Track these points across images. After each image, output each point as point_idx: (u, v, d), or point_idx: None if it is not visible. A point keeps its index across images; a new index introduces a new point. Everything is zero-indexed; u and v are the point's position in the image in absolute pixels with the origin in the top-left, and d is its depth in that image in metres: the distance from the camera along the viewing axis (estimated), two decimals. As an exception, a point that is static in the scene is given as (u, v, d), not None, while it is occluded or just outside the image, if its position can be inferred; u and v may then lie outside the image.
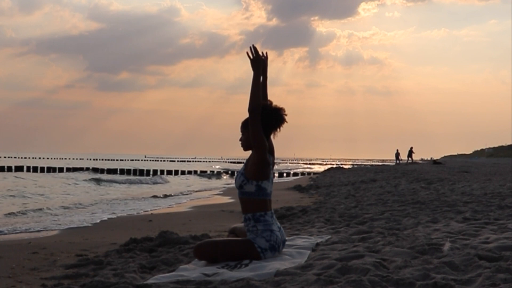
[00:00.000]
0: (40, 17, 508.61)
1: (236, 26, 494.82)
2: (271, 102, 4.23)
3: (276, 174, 39.69)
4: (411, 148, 45.43)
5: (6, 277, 4.38)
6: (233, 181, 4.26)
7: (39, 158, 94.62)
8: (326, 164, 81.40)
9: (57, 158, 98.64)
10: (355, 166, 53.57)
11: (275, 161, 4.48)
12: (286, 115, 4.22)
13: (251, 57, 4.19)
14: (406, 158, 45.80)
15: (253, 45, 4.19)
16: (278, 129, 4.24)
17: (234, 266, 3.86)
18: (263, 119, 4.16)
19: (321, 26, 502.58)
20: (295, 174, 42.60)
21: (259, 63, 4.19)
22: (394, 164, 47.07)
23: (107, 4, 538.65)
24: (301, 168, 61.65)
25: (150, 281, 3.61)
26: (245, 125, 4.25)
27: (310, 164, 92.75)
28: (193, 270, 3.84)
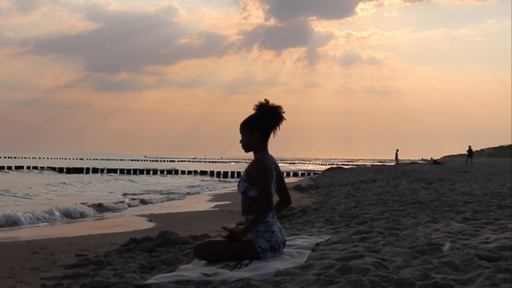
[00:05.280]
0: (38, 17, 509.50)
1: (234, 26, 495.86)
2: (267, 101, 4.19)
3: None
4: (470, 147, 40.93)
5: (6, 277, 4.37)
6: None
7: (39, 158, 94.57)
8: (323, 164, 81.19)
9: (57, 158, 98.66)
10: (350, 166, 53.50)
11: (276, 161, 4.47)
12: (283, 112, 4.21)
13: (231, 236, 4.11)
14: (467, 159, 40.45)
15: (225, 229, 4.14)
16: (277, 127, 4.23)
17: (234, 266, 3.85)
18: (261, 119, 4.16)
19: (319, 26, 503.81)
20: (295, 174, 42.62)
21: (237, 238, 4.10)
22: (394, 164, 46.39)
23: (105, 4, 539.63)
24: (301, 168, 61.65)
25: (150, 281, 3.60)
26: (244, 127, 4.23)
27: (309, 163, 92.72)
28: (193, 270, 3.84)
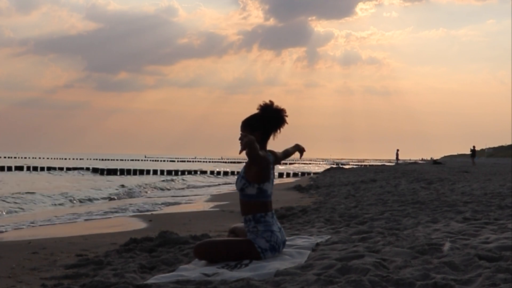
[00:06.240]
0: (37, 17, 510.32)
1: (234, 26, 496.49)
2: (272, 103, 4.20)
3: (276, 174, 39.71)
4: (474, 147, 40.06)
5: (6, 277, 4.37)
6: None
7: (39, 158, 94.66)
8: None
9: (57, 158, 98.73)
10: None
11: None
12: (287, 116, 4.21)
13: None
14: (471, 159, 39.55)
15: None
16: (278, 130, 4.23)
17: (234, 266, 3.86)
18: (264, 120, 4.15)
19: (319, 26, 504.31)
20: (295, 174, 42.61)
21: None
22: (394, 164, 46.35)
23: (104, 4, 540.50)
24: (301, 168, 61.67)
25: (150, 281, 3.61)
26: (245, 125, 4.23)
27: (309, 164, 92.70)
28: (193, 270, 3.84)
